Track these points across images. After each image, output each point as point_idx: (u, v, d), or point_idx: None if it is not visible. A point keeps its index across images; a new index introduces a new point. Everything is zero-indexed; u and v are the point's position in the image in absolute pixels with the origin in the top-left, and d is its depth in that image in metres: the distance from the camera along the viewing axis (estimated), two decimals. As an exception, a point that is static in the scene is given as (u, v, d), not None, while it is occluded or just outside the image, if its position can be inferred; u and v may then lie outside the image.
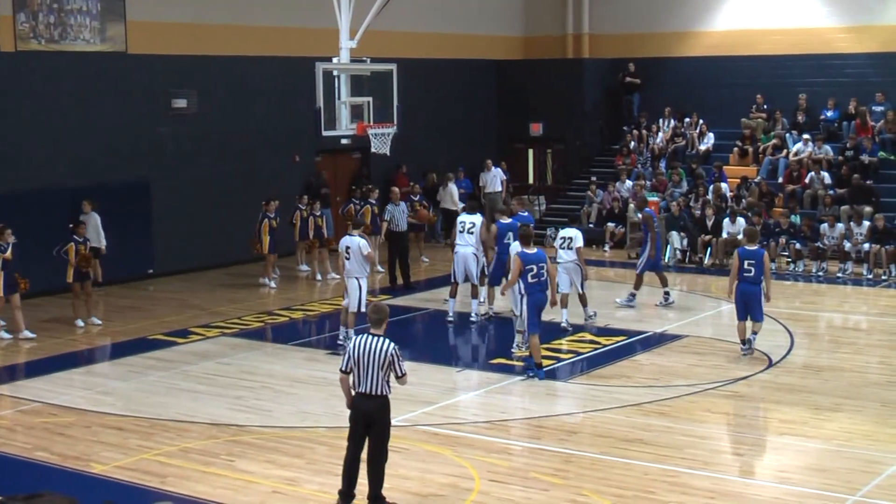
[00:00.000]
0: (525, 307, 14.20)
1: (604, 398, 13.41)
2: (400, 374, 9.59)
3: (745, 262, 14.95)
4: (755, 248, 15.14)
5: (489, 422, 12.48)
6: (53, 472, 10.87)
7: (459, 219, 17.83)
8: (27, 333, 16.62)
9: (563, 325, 16.78)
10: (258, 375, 14.61)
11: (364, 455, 9.68)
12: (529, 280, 14.05)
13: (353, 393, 9.66)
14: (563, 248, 17.01)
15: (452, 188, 25.78)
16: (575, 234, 16.99)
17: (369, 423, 9.54)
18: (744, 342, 15.12)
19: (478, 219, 17.64)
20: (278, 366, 15.16)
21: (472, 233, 17.41)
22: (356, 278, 15.69)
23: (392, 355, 9.48)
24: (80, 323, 17.56)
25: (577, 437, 11.85)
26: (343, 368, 9.67)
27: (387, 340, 9.55)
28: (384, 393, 9.52)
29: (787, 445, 11.72)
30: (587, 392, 13.78)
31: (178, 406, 13.17)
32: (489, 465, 10.84)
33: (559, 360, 15.13)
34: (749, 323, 15.08)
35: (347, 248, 15.70)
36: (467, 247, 17.40)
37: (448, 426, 12.21)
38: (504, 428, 12.31)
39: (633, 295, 18.59)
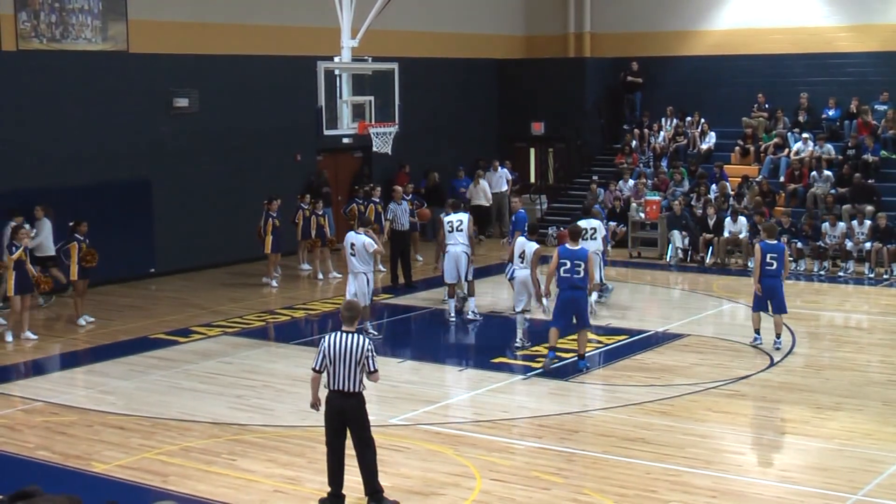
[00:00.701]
0: (554, 300, 14.55)
1: (605, 397, 13.42)
2: (372, 370, 9.50)
3: (768, 256, 15.23)
4: (776, 242, 15.49)
5: (491, 421, 12.47)
6: (55, 471, 10.87)
7: (447, 218, 17.80)
8: (29, 335, 16.59)
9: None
10: (260, 374, 14.61)
11: (348, 453, 9.65)
12: (561, 274, 14.16)
13: (326, 391, 9.56)
14: (586, 239, 17.17)
15: (484, 184, 25.85)
16: (598, 225, 17.59)
17: (345, 420, 9.50)
18: (758, 332, 15.51)
19: (465, 217, 17.77)
20: (280, 365, 15.16)
21: (461, 230, 17.50)
22: (363, 273, 15.82)
23: (369, 351, 9.45)
24: (82, 321, 17.56)
25: (578, 436, 11.84)
26: (316, 367, 9.58)
27: (361, 337, 9.54)
28: (359, 390, 9.49)
29: (789, 444, 11.71)
30: (589, 391, 13.79)
31: (179, 405, 13.16)
32: (491, 464, 10.83)
33: (561, 359, 15.12)
34: (759, 315, 15.55)
35: (352, 244, 15.79)
36: (458, 245, 17.49)
37: (449, 425, 12.21)
38: (505, 427, 12.31)
39: (606, 287, 18.60)
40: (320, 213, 21.77)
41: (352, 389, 9.46)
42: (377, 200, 21.88)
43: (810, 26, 27.05)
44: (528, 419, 12.70)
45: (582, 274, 14.15)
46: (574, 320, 14.39)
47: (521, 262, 15.56)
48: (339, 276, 21.45)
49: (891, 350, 15.87)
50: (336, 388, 9.48)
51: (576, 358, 14.58)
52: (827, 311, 19.02)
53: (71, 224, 17.57)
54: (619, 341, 16.18)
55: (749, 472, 10.90)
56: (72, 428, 12.30)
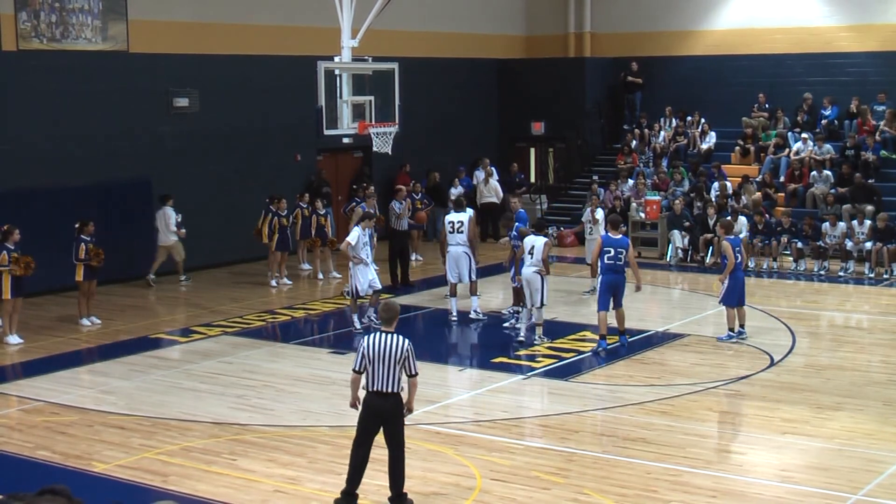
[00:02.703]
0: (598, 285, 15.87)
1: (606, 397, 13.41)
2: (412, 373, 9.47)
3: (734, 250, 15.73)
4: (734, 237, 16.30)
5: (491, 420, 12.47)
6: (55, 471, 10.88)
7: (448, 218, 17.88)
8: (12, 339, 16.48)
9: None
10: (260, 374, 14.61)
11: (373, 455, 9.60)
12: (606, 261, 15.49)
13: (364, 392, 9.50)
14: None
15: (494, 183, 25.81)
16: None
17: (382, 420, 9.45)
18: (743, 326, 15.92)
19: (465, 217, 17.74)
20: (280, 364, 15.16)
21: (461, 231, 17.51)
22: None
23: (408, 352, 9.39)
24: (85, 322, 17.53)
25: (578, 436, 11.84)
26: (357, 368, 9.51)
27: (401, 337, 9.47)
28: (398, 390, 9.43)
29: (789, 444, 11.71)
30: (589, 391, 13.78)
31: (180, 405, 13.17)
32: (491, 464, 10.83)
33: (561, 359, 15.13)
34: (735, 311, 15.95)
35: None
36: (458, 246, 17.50)
37: (450, 425, 12.22)
38: (506, 427, 12.30)
39: (518, 311, 17.46)
40: (322, 212, 21.78)
41: (391, 390, 9.39)
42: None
43: (810, 26, 27.05)
44: (528, 419, 12.70)
45: (623, 260, 15.41)
46: (612, 302, 15.58)
47: (531, 258, 15.63)
48: (339, 276, 21.44)
49: (891, 350, 15.87)
50: (375, 388, 9.40)
51: (579, 354, 14.62)
52: (827, 311, 19.02)
53: (77, 226, 17.46)
54: (620, 341, 16.17)
55: (749, 472, 10.89)
56: (72, 428, 12.31)
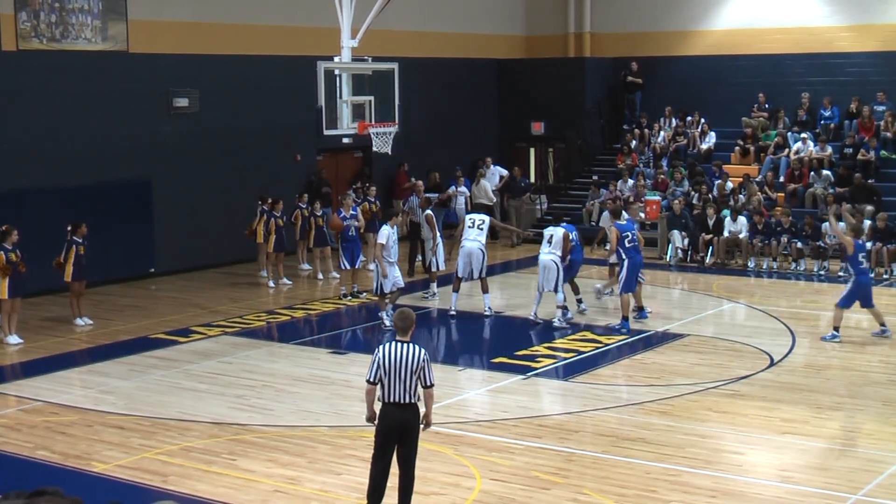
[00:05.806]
0: (625, 269, 16.59)
1: (605, 397, 13.41)
2: (428, 384, 9.17)
3: (859, 255, 16.12)
4: (862, 241, 16.59)
5: (491, 420, 12.47)
6: (55, 471, 10.87)
7: (469, 216, 18.35)
8: (14, 338, 16.49)
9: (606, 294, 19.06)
10: (260, 374, 14.61)
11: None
12: (627, 245, 16.59)
13: (379, 405, 9.20)
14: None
15: (486, 183, 25.84)
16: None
17: (403, 432, 9.16)
18: (837, 329, 16.23)
19: (487, 217, 18.36)
20: (280, 365, 15.16)
21: (481, 229, 17.94)
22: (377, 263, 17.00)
23: (424, 361, 9.10)
24: (79, 322, 17.54)
25: (578, 436, 11.84)
26: (371, 379, 9.11)
27: (417, 346, 9.18)
28: (415, 401, 9.15)
29: (789, 444, 11.71)
30: (589, 391, 13.78)
31: (179, 405, 13.16)
32: (491, 464, 10.83)
33: (560, 358, 15.13)
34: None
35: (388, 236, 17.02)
36: (475, 242, 17.71)
37: (449, 425, 12.20)
38: (505, 427, 12.30)
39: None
40: (319, 213, 21.79)
41: (409, 400, 9.09)
42: (372, 199, 21.98)
43: (810, 26, 27.05)
44: (528, 419, 12.69)
45: (637, 241, 16.83)
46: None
47: (549, 247, 16.81)
48: (339, 276, 21.43)
49: (891, 350, 15.86)
50: (392, 400, 9.08)
51: (575, 356, 14.64)
52: (827, 311, 18.93)
53: (69, 228, 17.42)
54: (620, 341, 16.18)
55: (749, 472, 10.89)
56: (72, 428, 12.30)
